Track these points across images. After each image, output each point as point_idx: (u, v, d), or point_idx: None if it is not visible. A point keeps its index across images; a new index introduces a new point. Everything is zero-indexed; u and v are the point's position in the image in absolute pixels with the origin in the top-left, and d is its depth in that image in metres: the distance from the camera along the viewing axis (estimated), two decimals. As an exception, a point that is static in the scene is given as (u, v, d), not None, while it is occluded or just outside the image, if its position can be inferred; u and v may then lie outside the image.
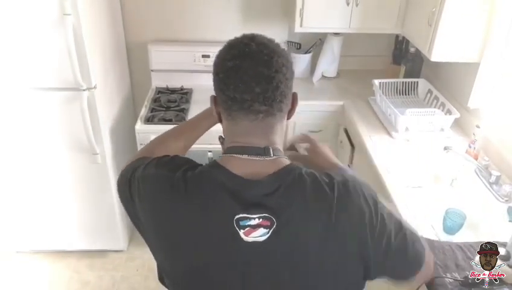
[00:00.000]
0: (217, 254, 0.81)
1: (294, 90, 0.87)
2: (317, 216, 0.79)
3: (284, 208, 0.78)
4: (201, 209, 0.80)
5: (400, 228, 0.88)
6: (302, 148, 1.15)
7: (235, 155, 0.83)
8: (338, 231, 0.80)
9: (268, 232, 0.78)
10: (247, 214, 0.77)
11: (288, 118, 0.89)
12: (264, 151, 0.82)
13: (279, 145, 0.86)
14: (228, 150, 0.85)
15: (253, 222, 0.77)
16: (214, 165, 0.84)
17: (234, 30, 2.99)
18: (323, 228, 0.79)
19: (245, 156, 0.82)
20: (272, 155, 0.83)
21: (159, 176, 0.86)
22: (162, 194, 0.84)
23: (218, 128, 1.17)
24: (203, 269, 0.83)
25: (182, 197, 0.81)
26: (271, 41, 0.84)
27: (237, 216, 0.78)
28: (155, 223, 0.86)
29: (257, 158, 0.82)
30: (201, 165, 0.87)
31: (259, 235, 0.78)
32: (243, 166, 0.82)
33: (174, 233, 0.83)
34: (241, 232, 0.78)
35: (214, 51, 3.09)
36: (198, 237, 0.81)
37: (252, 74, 0.78)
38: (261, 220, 0.77)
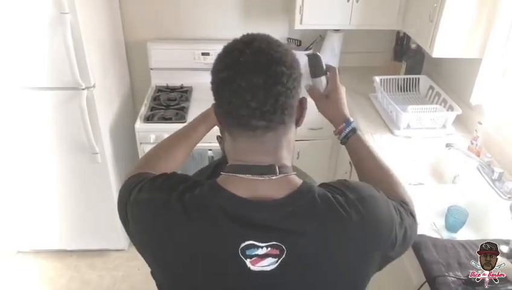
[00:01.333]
0: (222, 284, 0.76)
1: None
2: (334, 241, 0.75)
3: (295, 236, 0.72)
4: (203, 238, 0.74)
5: (403, 226, 0.85)
6: (324, 77, 1.09)
7: (238, 175, 0.75)
8: (359, 250, 0.76)
9: (276, 262, 0.72)
10: (255, 241, 0.71)
11: (297, 126, 0.82)
12: (268, 170, 0.74)
13: (287, 160, 0.78)
14: (229, 169, 0.77)
15: (261, 251, 0.71)
16: (214, 187, 0.76)
17: (234, 28, 3.00)
18: (342, 251, 0.75)
19: (248, 176, 0.74)
20: (277, 174, 0.74)
21: (153, 201, 0.79)
22: (157, 221, 0.77)
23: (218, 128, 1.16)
24: None
25: (180, 223, 0.74)
26: (270, 44, 0.74)
27: (243, 244, 0.71)
28: (153, 251, 0.80)
29: (261, 178, 0.74)
30: (200, 183, 0.79)
31: (267, 264, 0.72)
32: (247, 187, 0.74)
33: (175, 262, 0.77)
34: (248, 261, 0.72)
35: (213, 49, 3.09)
36: (202, 267, 0.75)
37: (245, 86, 0.70)
38: (269, 249, 0.71)
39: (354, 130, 1.04)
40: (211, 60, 2.64)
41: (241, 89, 0.71)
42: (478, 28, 1.89)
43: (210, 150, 2.25)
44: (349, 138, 1.04)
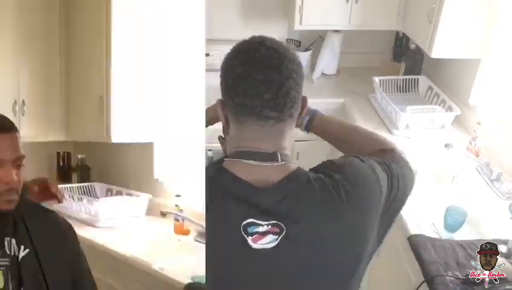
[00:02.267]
0: (225, 261, 0.80)
1: None
2: (329, 220, 0.79)
3: (293, 215, 0.77)
4: (207, 217, 0.79)
5: (394, 177, 0.89)
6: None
7: (242, 160, 0.80)
8: (354, 222, 0.81)
9: (277, 239, 0.76)
10: (256, 219, 0.76)
11: (297, 122, 0.87)
12: (272, 157, 0.80)
13: (288, 150, 0.84)
14: (234, 155, 0.82)
15: (261, 229, 0.76)
16: (219, 169, 0.81)
17: (233, 28, 2.98)
18: (338, 227, 0.79)
19: (252, 162, 0.80)
20: (279, 161, 0.80)
21: None
22: None
23: (218, 128, 1.16)
24: (213, 277, 0.81)
25: None
26: (281, 45, 0.81)
27: (245, 222, 0.76)
28: None
29: (264, 164, 0.79)
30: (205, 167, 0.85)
31: (268, 242, 0.76)
32: (250, 172, 0.79)
33: None
34: (249, 239, 0.76)
35: (213, 49, 3.06)
36: (207, 245, 0.79)
37: (261, 79, 0.76)
38: (269, 227, 0.76)
39: (311, 118, 1.10)
40: (210, 60, 2.65)
41: (257, 82, 0.76)
42: (477, 28, 1.90)
43: (210, 150, 2.25)
44: (310, 123, 1.10)
